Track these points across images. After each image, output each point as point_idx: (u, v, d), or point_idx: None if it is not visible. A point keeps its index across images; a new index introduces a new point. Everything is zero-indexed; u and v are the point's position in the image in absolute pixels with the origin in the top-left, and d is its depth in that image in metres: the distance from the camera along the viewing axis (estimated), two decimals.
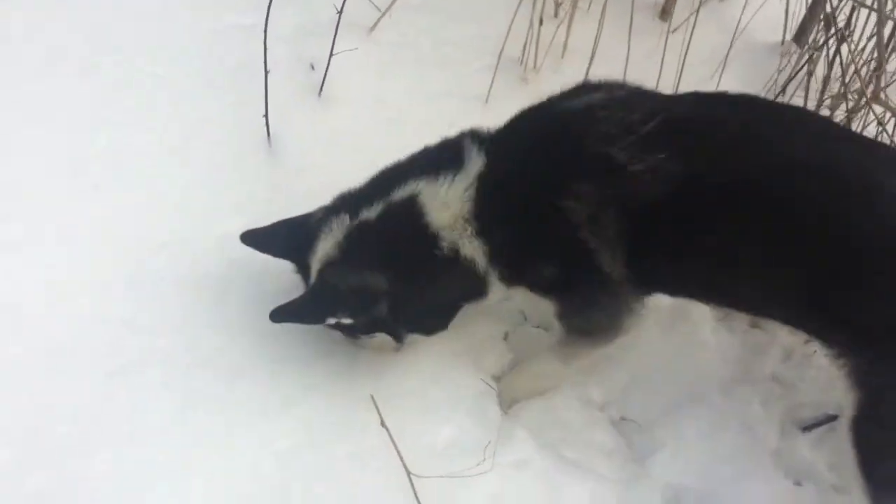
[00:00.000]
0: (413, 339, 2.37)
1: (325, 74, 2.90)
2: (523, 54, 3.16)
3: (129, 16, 2.94)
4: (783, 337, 2.65)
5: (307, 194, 2.47)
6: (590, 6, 3.32)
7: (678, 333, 2.65)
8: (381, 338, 2.34)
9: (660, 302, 2.64)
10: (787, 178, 2.02)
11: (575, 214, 2.08)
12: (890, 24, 2.85)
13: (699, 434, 2.47)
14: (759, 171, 2.03)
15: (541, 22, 3.04)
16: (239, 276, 2.47)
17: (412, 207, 2.20)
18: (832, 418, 2.52)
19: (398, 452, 2.18)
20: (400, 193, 2.21)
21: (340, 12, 2.79)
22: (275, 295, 2.38)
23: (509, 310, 2.62)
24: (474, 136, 2.26)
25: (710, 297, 2.35)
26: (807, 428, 2.54)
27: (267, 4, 2.59)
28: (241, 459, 2.13)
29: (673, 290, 2.34)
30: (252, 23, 2.80)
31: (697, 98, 2.25)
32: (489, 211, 2.17)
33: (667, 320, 2.65)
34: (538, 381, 2.48)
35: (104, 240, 2.43)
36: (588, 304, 2.29)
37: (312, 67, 2.98)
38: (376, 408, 2.25)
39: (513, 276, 2.26)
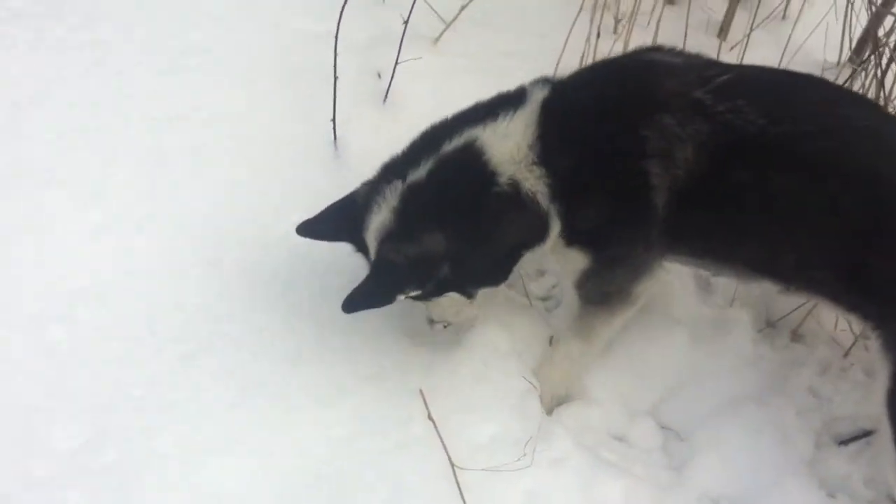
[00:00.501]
0: (484, 292, 2.43)
1: (391, 82, 3.04)
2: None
3: (213, 18, 3.13)
4: (821, 350, 2.73)
5: None
6: (648, 22, 3.40)
7: (718, 345, 2.73)
8: (452, 296, 2.39)
9: (700, 312, 2.76)
10: (847, 143, 2.13)
11: (652, 144, 2.16)
12: None
13: (736, 443, 2.54)
14: (823, 133, 2.14)
15: (598, 36, 3.13)
16: (303, 268, 2.63)
17: (468, 152, 2.24)
18: (868, 433, 2.59)
19: (443, 444, 2.31)
20: (453, 144, 2.25)
21: (406, 22, 2.94)
22: (338, 288, 2.52)
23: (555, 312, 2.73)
24: (537, 80, 2.35)
25: (745, 262, 2.37)
26: (843, 442, 2.61)
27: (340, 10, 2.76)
28: (296, 443, 2.29)
29: (710, 251, 2.38)
30: (325, 30, 2.95)
31: (764, 67, 2.44)
32: (557, 134, 2.22)
33: (707, 332, 2.74)
34: (567, 365, 2.56)
35: (182, 231, 2.62)
36: (619, 259, 2.37)
37: (379, 76, 3.12)
38: (424, 401, 2.39)
39: (571, 210, 2.26)
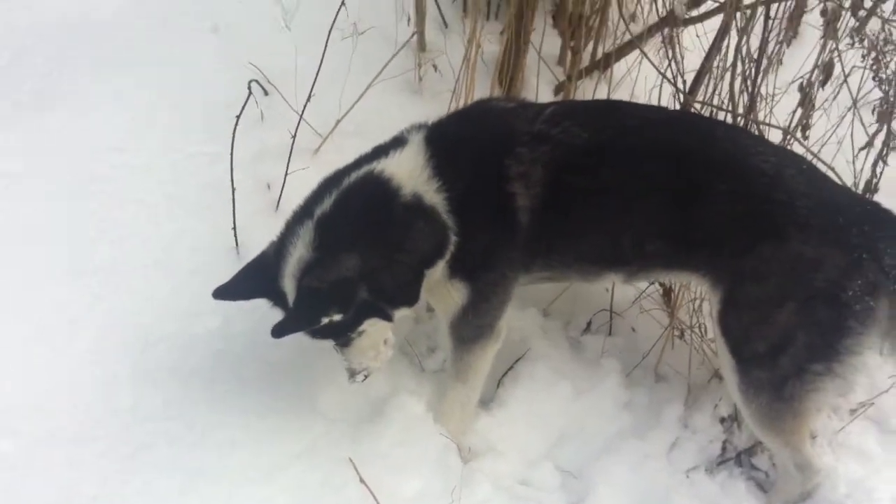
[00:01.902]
0: (401, 314, 2.63)
1: (282, 191, 3.36)
2: None
3: (112, 149, 3.35)
4: (683, 387, 3.18)
5: None
6: None
7: (596, 391, 3.14)
8: (370, 333, 2.60)
9: (576, 366, 3.17)
10: (654, 133, 2.68)
11: (513, 170, 2.61)
12: None
13: (624, 476, 2.92)
14: (632, 131, 2.69)
15: None
16: (225, 362, 2.87)
17: (370, 178, 2.57)
18: (739, 454, 3.04)
19: (377, 502, 2.57)
20: (353, 178, 2.58)
21: (294, 136, 3.31)
22: (257, 377, 2.84)
23: None
24: (409, 127, 2.75)
25: (591, 259, 2.81)
26: (719, 464, 3.03)
27: (231, 133, 3.13)
28: None
29: (561, 258, 2.80)
30: (215, 150, 3.29)
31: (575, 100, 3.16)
32: (444, 156, 2.60)
33: (585, 382, 3.16)
34: (458, 408, 2.88)
35: (107, 339, 2.82)
36: (491, 287, 2.74)
37: (269, 187, 3.42)
38: (355, 468, 2.65)
39: (460, 229, 2.60)
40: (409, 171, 2.60)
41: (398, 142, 2.71)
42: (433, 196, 2.60)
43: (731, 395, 2.79)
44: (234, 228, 3.15)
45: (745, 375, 2.66)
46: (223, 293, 2.61)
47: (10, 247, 2.96)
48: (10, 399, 2.59)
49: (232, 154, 3.13)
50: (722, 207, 2.61)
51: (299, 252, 2.49)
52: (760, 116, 3.25)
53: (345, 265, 2.47)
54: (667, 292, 3.34)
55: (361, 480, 2.62)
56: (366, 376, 2.70)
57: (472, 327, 2.80)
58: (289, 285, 2.51)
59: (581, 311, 3.41)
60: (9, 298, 2.82)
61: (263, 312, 2.76)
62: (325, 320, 2.46)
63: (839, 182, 3.07)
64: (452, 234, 2.62)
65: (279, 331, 2.41)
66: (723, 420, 3.12)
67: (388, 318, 2.58)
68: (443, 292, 2.75)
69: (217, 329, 2.90)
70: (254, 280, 2.61)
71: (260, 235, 3.21)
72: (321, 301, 2.45)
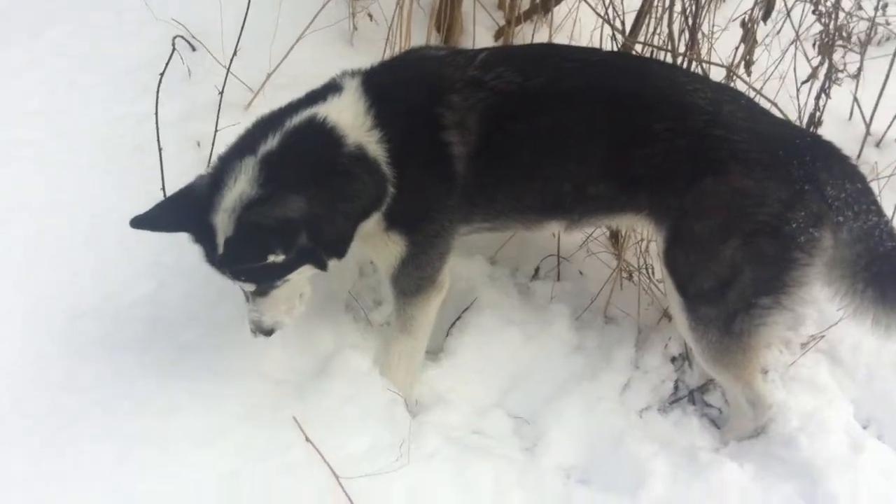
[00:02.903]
0: (330, 264, 2.52)
1: (212, 149, 3.22)
2: None
3: (34, 114, 3.23)
4: (632, 329, 3.15)
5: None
6: None
7: (545, 336, 3.10)
8: (292, 284, 2.51)
9: (525, 313, 3.13)
10: (587, 76, 2.63)
11: (447, 118, 2.54)
12: None
13: (577, 419, 2.89)
14: (567, 75, 2.62)
15: None
16: (158, 330, 2.77)
17: (314, 124, 2.48)
18: (691, 392, 3.04)
19: (324, 460, 2.51)
20: (296, 120, 2.48)
21: (222, 93, 3.19)
22: (195, 342, 2.75)
23: None
24: (342, 73, 2.66)
25: (532, 208, 2.76)
26: (672, 402, 3.02)
27: (155, 92, 2.99)
28: (184, 486, 2.42)
29: (501, 208, 2.74)
30: (139, 111, 3.17)
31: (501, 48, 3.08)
32: (383, 106, 2.53)
33: (535, 328, 3.11)
34: (405, 361, 2.83)
35: (33, 314, 2.70)
36: (430, 239, 2.68)
37: (198, 144, 3.31)
38: (300, 427, 2.57)
39: (400, 178, 2.54)
40: (350, 119, 2.52)
41: (332, 88, 2.61)
42: (375, 148, 2.52)
43: (681, 333, 2.77)
44: (164, 189, 3.03)
45: (693, 312, 2.64)
46: (142, 222, 2.47)
47: None
48: None
49: (157, 113, 3.01)
50: (661, 146, 2.56)
51: (241, 187, 2.38)
52: (702, 55, 3.19)
53: (291, 206, 2.37)
54: (614, 235, 3.30)
55: (307, 440, 2.55)
56: (272, 331, 2.61)
57: (412, 279, 2.74)
58: (223, 220, 2.38)
59: (528, 257, 3.36)
60: None
61: (200, 276, 2.67)
62: (271, 258, 2.37)
63: (781, 116, 3.03)
64: (391, 187, 2.55)
65: (223, 261, 2.37)
66: (674, 359, 3.12)
67: (323, 267, 2.50)
68: (380, 245, 2.68)
69: (150, 295, 2.80)
70: (178, 212, 2.47)
71: None
72: (266, 238, 2.36)
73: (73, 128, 3.22)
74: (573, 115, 2.58)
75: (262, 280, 2.48)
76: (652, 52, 3.21)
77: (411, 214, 2.62)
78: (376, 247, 2.70)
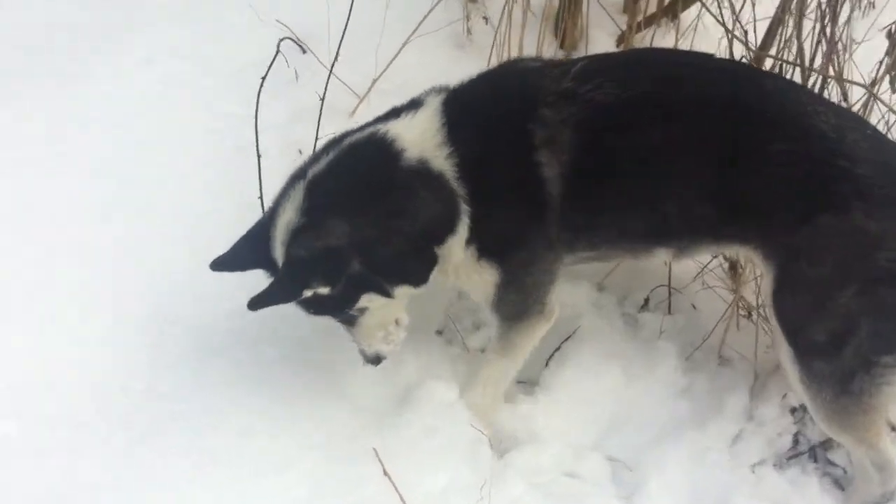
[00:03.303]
0: (403, 292, 2.38)
1: None
2: None
3: (138, 113, 3.20)
4: (749, 374, 2.87)
5: None
6: None
7: (651, 376, 2.86)
8: (374, 310, 2.37)
9: (630, 346, 2.91)
10: (695, 86, 2.39)
11: (538, 136, 2.33)
12: None
13: (681, 468, 2.65)
14: (671, 83, 2.39)
15: None
16: (244, 344, 2.68)
17: (373, 140, 2.33)
18: (812, 448, 2.75)
19: (401, 498, 2.36)
20: (354, 138, 2.34)
21: (323, 99, 3.10)
22: (279, 360, 2.65)
23: None
24: (428, 90, 2.49)
25: (636, 233, 2.52)
26: (790, 458, 2.73)
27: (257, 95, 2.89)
28: None
29: (604, 235, 2.52)
30: (245, 112, 3.08)
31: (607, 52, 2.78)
32: (460, 124, 2.34)
33: (639, 365, 2.87)
34: (492, 386, 2.63)
35: (124, 317, 2.66)
36: (526, 265, 2.48)
37: (300, 152, 3.20)
38: (379, 459, 2.44)
39: (477, 204, 2.34)
40: (418, 134, 2.34)
41: (414, 104, 2.46)
42: (442, 163, 2.33)
43: (793, 387, 2.51)
44: (261, 198, 2.94)
45: (805, 367, 2.37)
46: (221, 264, 2.40)
47: (25, 218, 2.83)
48: (18, 381, 2.46)
49: (256, 116, 2.93)
50: (776, 170, 2.31)
51: (288, 216, 2.27)
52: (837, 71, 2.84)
53: (332, 232, 2.24)
54: (732, 266, 3.02)
55: (385, 473, 2.41)
56: (379, 359, 2.48)
57: (516, 304, 2.55)
58: (279, 253, 2.30)
59: (638, 285, 3.12)
60: (23, 276, 2.69)
61: None
62: (308, 293, 2.24)
63: None
64: (464, 205, 2.36)
65: (255, 302, 2.22)
66: (794, 410, 2.82)
67: (386, 294, 2.34)
68: (472, 276, 2.50)
69: (240, 308, 2.67)
70: (250, 249, 2.39)
71: None
72: (304, 271, 2.23)
73: (176, 125, 3.18)
74: (677, 129, 2.35)
75: (332, 312, 2.36)
76: (781, 66, 2.90)
77: (501, 241, 2.43)
78: (469, 279, 2.51)
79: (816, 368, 2.35)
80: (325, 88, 3.12)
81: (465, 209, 2.36)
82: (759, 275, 2.84)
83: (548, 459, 2.66)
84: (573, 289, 3.01)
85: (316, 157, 2.39)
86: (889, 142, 2.46)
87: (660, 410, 2.81)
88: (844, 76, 2.84)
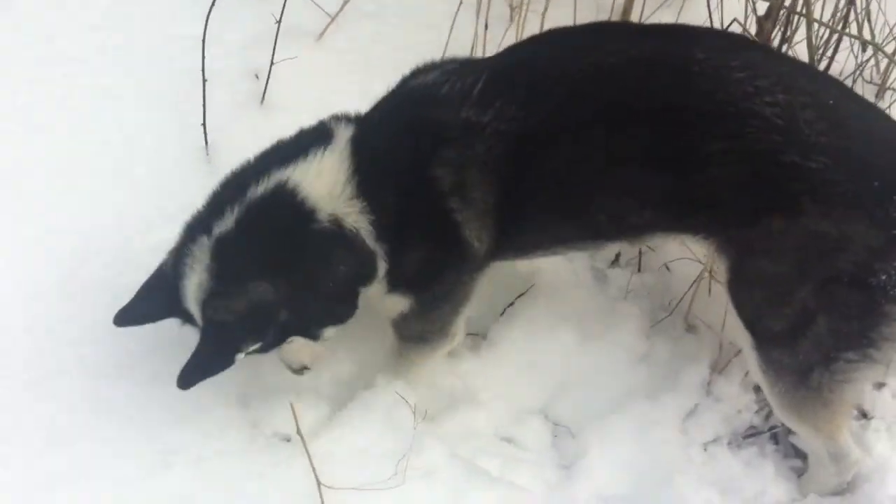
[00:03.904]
0: (330, 332, 2.29)
1: (267, 82, 2.92)
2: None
3: (75, 27, 2.99)
4: (715, 344, 2.64)
5: None
6: (546, 8, 3.29)
7: (610, 339, 2.65)
8: (298, 340, 2.27)
9: (586, 305, 2.70)
10: (616, 97, 2.08)
11: (445, 182, 2.13)
12: None
13: (628, 441, 2.47)
14: (588, 95, 2.11)
15: (486, 27, 3.03)
16: None
17: (280, 193, 2.12)
18: (772, 429, 2.55)
19: (311, 463, 2.21)
20: (261, 188, 2.13)
21: (280, 20, 2.84)
22: None
23: None
24: (335, 118, 2.27)
25: (580, 237, 2.34)
26: (747, 437, 2.54)
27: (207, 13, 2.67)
28: (153, 467, 2.20)
29: (545, 243, 2.35)
30: (197, 33, 2.83)
31: (511, 49, 2.36)
32: (370, 171, 2.15)
33: (596, 329, 2.66)
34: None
35: (36, 249, 2.50)
36: (440, 298, 2.33)
37: (257, 77, 3.00)
38: (294, 415, 2.29)
39: (393, 250, 2.20)
40: (328, 187, 2.13)
41: (320, 138, 2.21)
42: (356, 218, 2.15)
43: (752, 373, 2.31)
44: (204, 124, 2.77)
45: (763, 354, 2.18)
46: (126, 318, 2.22)
47: None
48: None
49: (205, 32, 2.68)
50: (717, 171, 2.06)
51: (199, 276, 2.11)
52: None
53: (255, 292, 2.10)
54: None
55: (298, 431, 2.26)
56: (305, 369, 2.37)
57: (417, 330, 2.42)
58: (194, 310, 2.15)
59: None
60: None
61: None
62: (241, 356, 2.13)
63: None
64: (382, 261, 2.20)
65: (186, 379, 2.07)
66: (757, 388, 2.56)
67: (314, 337, 2.25)
68: (380, 301, 2.34)
69: (169, 244, 2.53)
70: (159, 300, 2.22)
71: (238, 133, 2.87)
72: (231, 335, 2.11)
73: (120, 45, 2.98)
74: (596, 142, 2.10)
75: (262, 351, 2.21)
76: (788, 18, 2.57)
77: (412, 281, 2.28)
78: (378, 302, 2.35)
79: (775, 357, 2.17)
80: (283, 8, 2.85)
81: (381, 263, 2.21)
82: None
83: (484, 421, 2.50)
84: None
85: (217, 208, 2.16)
86: (856, 109, 2.12)
87: (613, 377, 2.61)
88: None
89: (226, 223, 2.11)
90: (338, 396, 2.41)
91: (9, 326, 2.35)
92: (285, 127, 2.86)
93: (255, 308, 2.10)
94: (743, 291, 2.16)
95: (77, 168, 2.69)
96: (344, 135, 2.19)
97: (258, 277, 2.09)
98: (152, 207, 2.65)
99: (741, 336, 2.23)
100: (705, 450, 2.50)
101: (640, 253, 2.81)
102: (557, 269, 2.80)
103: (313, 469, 2.21)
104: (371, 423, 2.33)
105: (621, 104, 2.08)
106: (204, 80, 2.71)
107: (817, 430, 2.24)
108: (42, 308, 2.40)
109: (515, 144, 2.10)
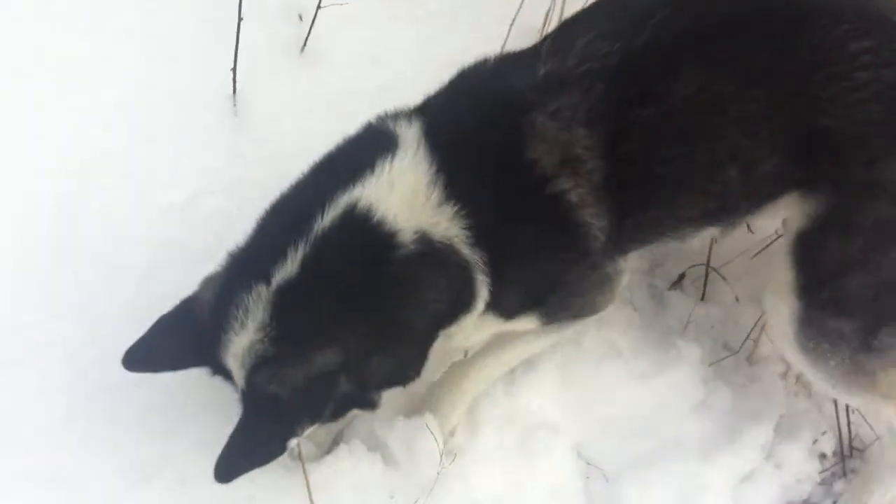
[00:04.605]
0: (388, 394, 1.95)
1: (311, 27, 2.58)
2: (544, 24, 2.76)
3: None
4: (780, 401, 2.33)
5: (271, 165, 2.24)
6: None
7: (659, 380, 2.34)
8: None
9: (640, 335, 2.41)
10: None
11: (541, 161, 1.82)
12: None
13: (667, 500, 2.19)
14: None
15: None
16: (170, 256, 2.22)
17: (352, 222, 1.75)
18: None
19: (308, 490, 1.95)
20: (329, 218, 1.75)
21: None
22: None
23: None
24: (387, 116, 1.92)
25: (697, 210, 2.00)
26: None
27: None
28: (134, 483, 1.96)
29: (663, 221, 2.02)
30: None
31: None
32: (458, 166, 1.82)
33: (647, 365, 2.36)
34: (465, 384, 2.16)
35: (27, 207, 2.24)
36: (571, 293, 2.03)
37: (300, 18, 2.66)
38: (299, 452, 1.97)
39: (500, 261, 1.85)
40: (406, 199, 1.78)
41: (381, 143, 1.84)
42: (447, 226, 1.79)
43: (787, 356, 2.09)
44: (235, 69, 2.44)
45: (811, 328, 1.95)
46: (135, 361, 1.85)
47: None
48: None
49: None
50: (858, 78, 1.79)
51: (250, 336, 1.72)
52: None
53: (321, 360, 1.74)
54: None
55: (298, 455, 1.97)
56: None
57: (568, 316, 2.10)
58: (235, 369, 1.77)
59: (675, 255, 2.52)
60: None
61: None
62: (294, 442, 1.81)
63: None
64: (482, 277, 1.84)
65: (226, 472, 1.73)
66: (823, 457, 2.30)
67: (372, 407, 1.89)
68: (483, 333, 2.05)
69: (172, 208, 2.28)
70: (181, 342, 1.84)
71: (271, 85, 2.56)
72: (287, 413, 1.75)
73: None
74: (716, 70, 1.82)
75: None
76: None
77: (532, 294, 1.97)
78: (479, 336, 2.06)
79: (829, 327, 1.93)
80: None
81: (482, 279, 1.85)
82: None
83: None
84: None
85: (276, 248, 1.75)
86: None
87: (662, 423, 2.31)
88: None
89: (288, 269, 1.73)
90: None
91: None
92: (325, 84, 2.59)
93: (317, 380, 1.75)
94: (827, 243, 1.88)
95: (84, 112, 2.39)
96: (410, 132, 1.84)
97: (328, 341, 1.75)
98: (161, 163, 2.35)
99: (779, 310, 1.99)
100: None
101: (706, 274, 2.47)
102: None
103: (310, 497, 1.94)
104: (380, 457, 2.05)
105: (737, 18, 1.83)
106: (240, 18, 2.38)
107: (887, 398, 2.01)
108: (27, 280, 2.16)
109: (614, 82, 1.80)
